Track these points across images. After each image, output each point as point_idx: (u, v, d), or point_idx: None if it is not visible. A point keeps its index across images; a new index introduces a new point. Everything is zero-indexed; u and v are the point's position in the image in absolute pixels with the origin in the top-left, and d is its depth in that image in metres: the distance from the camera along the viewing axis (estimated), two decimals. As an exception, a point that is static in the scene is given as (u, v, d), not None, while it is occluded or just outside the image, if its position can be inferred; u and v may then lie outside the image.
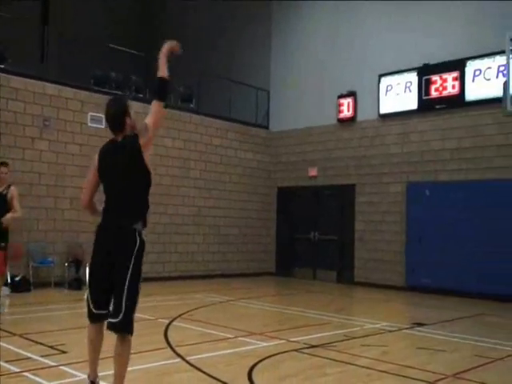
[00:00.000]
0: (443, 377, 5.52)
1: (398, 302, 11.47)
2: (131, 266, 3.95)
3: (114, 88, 13.02)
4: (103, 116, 4.47)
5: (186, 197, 14.16)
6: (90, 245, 4.39)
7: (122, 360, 3.98)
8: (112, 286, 4.01)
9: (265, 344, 6.73)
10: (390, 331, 7.92)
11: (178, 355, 5.96)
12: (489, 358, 6.35)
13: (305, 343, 6.81)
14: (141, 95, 13.40)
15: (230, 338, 7.01)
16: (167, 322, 7.88)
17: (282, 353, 6.28)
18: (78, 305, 9.01)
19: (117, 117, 4.14)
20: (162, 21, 19.12)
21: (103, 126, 11.32)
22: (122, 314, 3.91)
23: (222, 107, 15.31)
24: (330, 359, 6.09)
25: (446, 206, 12.20)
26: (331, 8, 14.95)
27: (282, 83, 16.03)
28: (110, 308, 4.03)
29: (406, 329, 8.20)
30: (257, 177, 15.90)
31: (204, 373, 5.30)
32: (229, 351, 6.27)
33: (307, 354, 6.31)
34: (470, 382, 5.39)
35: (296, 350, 6.43)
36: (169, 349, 6.27)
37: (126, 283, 3.93)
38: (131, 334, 4.00)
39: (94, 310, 4.09)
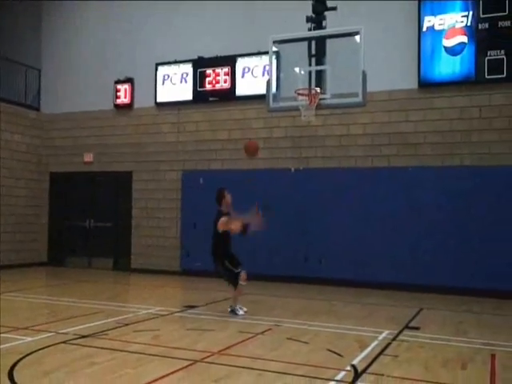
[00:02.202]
0: (210, 354, 5.86)
1: (172, 287, 11.79)
2: None
3: None
4: None
5: None
6: None
7: None
8: None
9: (30, 339, 6.34)
10: (163, 315, 8.11)
11: None
12: (251, 333, 6.93)
13: (74, 334, 6.60)
14: None
15: (-11, 336, 6.44)
16: None
17: (48, 346, 6.01)
18: None
19: (217, 198, 8.85)
20: None
21: None
22: None
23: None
24: (101, 348, 6.02)
25: (219, 193, 12.84)
26: (109, -10, 14.54)
27: (55, 63, 15.11)
28: None
29: (178, 312, 8.49)
30: (26, 161, 14.73)
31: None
32: (-13, 351, 5.76)
33: (76, 344, 6.14)
34: (233, 357, 5.82)
35: (64, 342, 6.21)
36: None
37: None
38: None
39: None
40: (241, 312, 8.40)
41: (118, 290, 11.49)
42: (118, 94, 14.26)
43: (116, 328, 7.07)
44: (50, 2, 15.23)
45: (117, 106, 14.33)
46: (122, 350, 5.93)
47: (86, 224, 14.63)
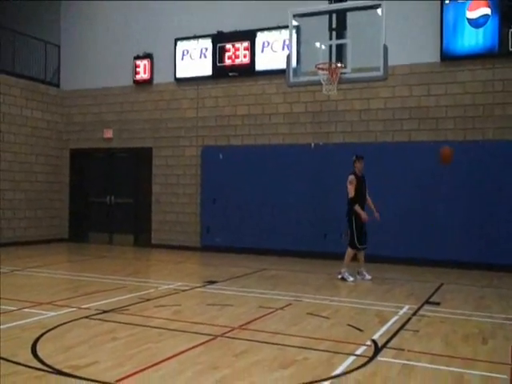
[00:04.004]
0: (230, 329, 5.91)
1: (192, 263, 11.89)
2: None
3: None
4: None
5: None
6: None
7: None
8: None
9: (53, 314, 6.46)
10: (183, 291, 8.19)
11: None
12: (271, 308, 6.97)
13: (96, 309, 6.70)
14: None
15: (13, 310, 6.58)
16: None
17: (71, 321, 6.11)
18: None
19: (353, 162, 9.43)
20: None
21: None
22: None
23: (5, 61, 13.87)
24: (122, 323, 6.10)
25: (238, 169, 12.88)
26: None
27: (74, 39, 15.09)
28: None
29: (199, 287, 8.57)
30: (46, 137, 14.86)
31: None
32: (9, 325, 5.87)
33: (98, 319, 6.23)
34: (253, 332, 5.87)
35: (87, 317, 6.30)
36: None
37: None
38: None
39: None
40: (350, 279, 9.22)
41: (138, 265, 11.63)
42: (138, 69, 14.23)
43: (137, 303, 7.17)
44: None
45: (136, 82, 14.32)
46: (143, 325, 6.01)
47: (106, 200, 14.77)
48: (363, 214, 9.18)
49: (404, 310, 7.06)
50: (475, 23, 10.82)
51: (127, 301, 7.28)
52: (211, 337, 5.60)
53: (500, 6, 10.61)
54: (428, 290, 8.49)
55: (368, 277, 9.41)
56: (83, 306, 6.85)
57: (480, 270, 10.40)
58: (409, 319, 6.54)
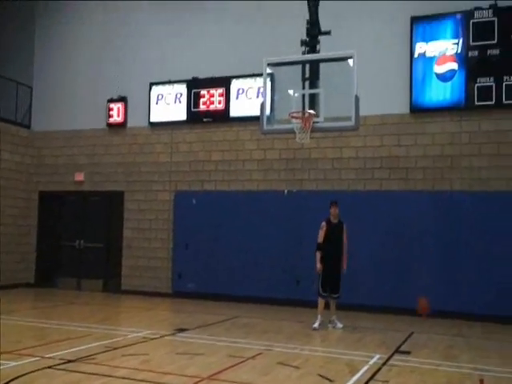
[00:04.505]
0: (199, 379, 5.77)
1: (163, 309, 11.63)
2: None
3: None
4: None
5: None
6: None
7: None
8: None
9: (14, 363, 6.20)
10: (153, 339, 7.99)
11: None
12: (241, 358, 6.84)
13: (61, 358, 6.48)
14: None
15: (-27, 360, 6.30)
16: None
17: (33, 371, 5.87)
18: None
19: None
20: None
21: None
22: None
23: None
24: (88, 373, 5.90)
25: (211, 214, 12.82)
26: (104, 10, 14.62)
27: (47, 80, 15.07)
28: None
29: (168, 335, 8.37)
30: (15, 179, 14.59)
31: None
32: (-30, 376, 5.63)
33: (62, 369, 6.02)
34: (222, 382, 5.74)
35: (50, 367, 6.08)
36: None
37: None
38: None
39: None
40: (315, 325, 9.25)
41: (107, 312, 11.31)
42: (111, 112, 14.24)
43: (104, 352, 6.96)
44: (43, 19, 15.27)
45: (109, 125, 14.31)
46: (109, 376, 5.82)
47: (76, 244, 14.48)
48: (318, 265, 9.27)
49: (374, 359, 7.03)
50: (443, 77, 11.22)
51: (94, 349, 7.06)
52: (180, 388, 5.45)
53: (466, 62, 11.05)
54: (399, 339, 8.47)
55: (339, 325, 9.36)
56: (47, 355, 6.61)
57: (450, 318, 10.42)
58: (379, 369, 6.51)
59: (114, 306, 12.30)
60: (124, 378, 5.76)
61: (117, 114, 14.22)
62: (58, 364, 6.23)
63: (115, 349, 7.18)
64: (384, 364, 6.76)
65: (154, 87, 13.77)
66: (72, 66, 14.90)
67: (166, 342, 7.94)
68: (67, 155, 14.77)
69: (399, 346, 7.93)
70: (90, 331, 8.40)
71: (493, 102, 10.78)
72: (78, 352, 6.87)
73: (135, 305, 12.00)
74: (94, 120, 14.42)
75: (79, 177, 14.58)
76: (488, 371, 6.62)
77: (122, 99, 14.18)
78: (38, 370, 5.96)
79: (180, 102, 13.51)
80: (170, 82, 13.60)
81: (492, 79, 10.80)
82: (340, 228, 9.46)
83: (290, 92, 9.06)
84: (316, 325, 9.19)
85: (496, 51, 10.84)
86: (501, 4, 10.83)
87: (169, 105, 13.64)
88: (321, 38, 9.16)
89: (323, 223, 9.46)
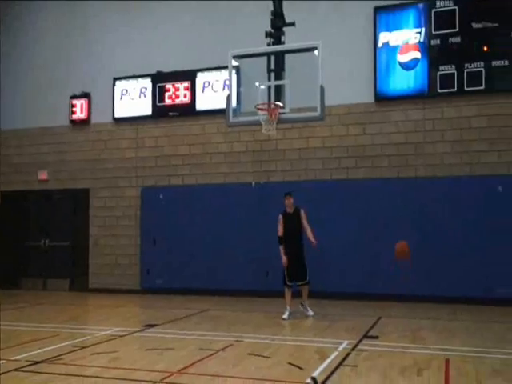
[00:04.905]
0: (169, 374, 5.71)
1: (131, 306, 11.51)
2: None
3: None
4: None
5: None
6: None
7: None
8: None
9: (-22, 367, 6.02)
10: (122, 336, 7.88)
11: None
12: (211, 350, 6.80)
13: (27, 360, 6.31)
14: None
15: None
16: None
17: (-1, 374, 5.71)
18: None
19: None
20: None
21: None
22: None
23: None
24: (55, 374, 5.77)
25: (179, 208, 12.72)
26: (67, 5, 14.24)
27: (9, 77, 14.65)
28: None
29: (138, 332, 8.26)
30: (-24, 180, 14.21)
31: None
32: None
33: (29, 371, 5.86)
34: (193, 375, 5.69)
35: (16, 370, 5.91)
36: None
37: None
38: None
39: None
40: (283, 315, 9.22)
41: (74, 311, 11.07)
42: (74, 109, 13.96)
43: (72, 352, 6.82)
44: (3, 16, 14.83)
45: (73, 122, 14.03)
46: (77, 375, 5.71)
47: (41, 243, 14.18)
48: (284, 258, 9.32)
49: (343, 345, 7.10)
50: (406, 66, 11.34)
51: (61, 350, 6.91)
52: (150, 383, 5.37)
53: (428, 50, 11.18)
54: (367, 325, 8.56)
55: (310, 312, 9.42)
56: (13, 358, 6.44)
57: (417, 302, 10.59)
58: (348, 354, 6.57)
59: (81, 304, 12.08)
60: (93, 376, 5.66)
61: (80, 110, 13.94)
62: (25, 366, 6.07)
63: (83, 348, 7.05)
64: (353, 349, 6.83)
65: (117, 82, 13.54)
66: (33, 63, 14.50)
67: (135, 339, 7.84)
68: (30, 153, 14.42)
69: (367, 331, 8.02)
70: (57, 331, 8.21)
71: (455, 90, 10.95)
72: (46, 353, 6.71)
73: (103, 303, 11.82)
74: (57, 117, 14.10)
75: (43, 175, 14.26)
76: (453, 351, 6.78)
77: (86, 95, 13.91)
78: (4, 373, 5.79)
79: (145, 96, 13.32)
80: (134, 77, 13.39)
81: (454, 67, 10.96)
82: (297, 216, 9.46)
83: (256, 84, 9.01)
84: (285, 315, 9.19)
85: (457, 39, 10.99)
86: (461, -8, 10.98)
87: (133, 100, 13.44)
88: (285, 29, 9.12)
89: (279, 216, 9.53)
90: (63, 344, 7.26)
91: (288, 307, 9.29)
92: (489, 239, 10.56)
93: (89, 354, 6.69)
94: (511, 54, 10.63)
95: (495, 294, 10.43)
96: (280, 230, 9.46)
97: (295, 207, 9.54)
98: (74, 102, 13.96)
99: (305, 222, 9.46)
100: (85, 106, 13.91)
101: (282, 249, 9.37)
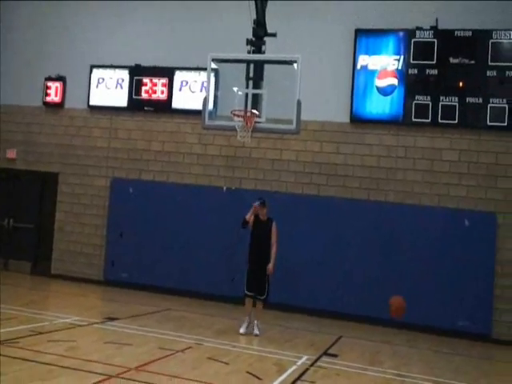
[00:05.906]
0: (126, 370, 5.79)
1: (93, 297, 11.44)
2: None
3: None
4: None
5: None
6: None
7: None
8: None
9: None
10: (81, 326, 7.90)
11: None
12: (171, 350, 6.89)
13: (-17, 341, 6.30)
14: None
15: None
16: None
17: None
18: None
19: None
20: None
21: None
22: None
23: None
24: (10, 357, 5.79)
25: (149, 203, 12.69)
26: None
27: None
28: None
29: (97, 323, 8.28)
30: None
31: None
32: None
33: (-16, 352, 5.86)
34: (150, 374, 5.78)
35: (-29, 349, 5.91)
36: None
37: None
38: None
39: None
40: (241, 330, 8.80)
41: (34, 295, 10.96)
42: (49, 91, 13.78)
43: (29, 336, 6.83)
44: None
45: (46, 104, 13.85)
46: (32, 361, 5.74)
47: (4, 223, 13.94)
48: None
49: (303, 360, 7.22)
50: (383, 91, 11.65)
51: (17, 333, 6.92)
52: (105, 377, 5.45)
53: (406, 78, 11.52)
54: (328, 342, 8.69)
55: (256, 332, 8.75)
56: (-32, 337, 6.41)
57: (378, 325, 10.68)
58: (306, 370, 6.70)
59: (42, 289, 11.96)
60: (48, 363, 5.70)
61: (54, 93, 13.77)
62: (-20, 346, 6.07)
63: (40, 333, 7.06)
64: (312, 365, 6.96)
65: (94, 70, 13.40)
66: (10, 42, 14.19)
67: (94, 330, 7.87)
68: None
69: (327, 349, 8.16)
70: (15, 314, 8.16)
71: (429, 120, 11.22)
72: (2, 334, 6.68)
73: (65, 290, 11.73)
74: (30, 97, 13.88)
75: (11, 154, 14.05)
76: (408, 377, 6.97)
77: (61, 78, 13.72)
78: (-42, 352, 5.78)
79: (121, 87, 13.23)
80: (111, 67, 13.29)
81: (429, 98, 11.24)
82: (268, 226, 8.98)
83: (234, 89, 9.06)
84: (242, 329, 8.76)
85: (434, 71, 11.28)
86: (441, 26, 11.28)
87: (109, 89, 13.33)
88: (266, 39, 9.25)
89: (254, 208, 9.07)
90: (21, 327, 7.26)
91: (247, 318, 8.88)
92: (453, 271, 10.73)
93: (46, 341, 6.71)
94: (485, 93, 10.97)
95: (456, 326, 10.56)
96: (249, 217, 8.99)
97: (268, 217, 9.11)
98: (49, 84, 13.75)
99: (274, 238, 8.95)
100: (60, 90, 13.74)
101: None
